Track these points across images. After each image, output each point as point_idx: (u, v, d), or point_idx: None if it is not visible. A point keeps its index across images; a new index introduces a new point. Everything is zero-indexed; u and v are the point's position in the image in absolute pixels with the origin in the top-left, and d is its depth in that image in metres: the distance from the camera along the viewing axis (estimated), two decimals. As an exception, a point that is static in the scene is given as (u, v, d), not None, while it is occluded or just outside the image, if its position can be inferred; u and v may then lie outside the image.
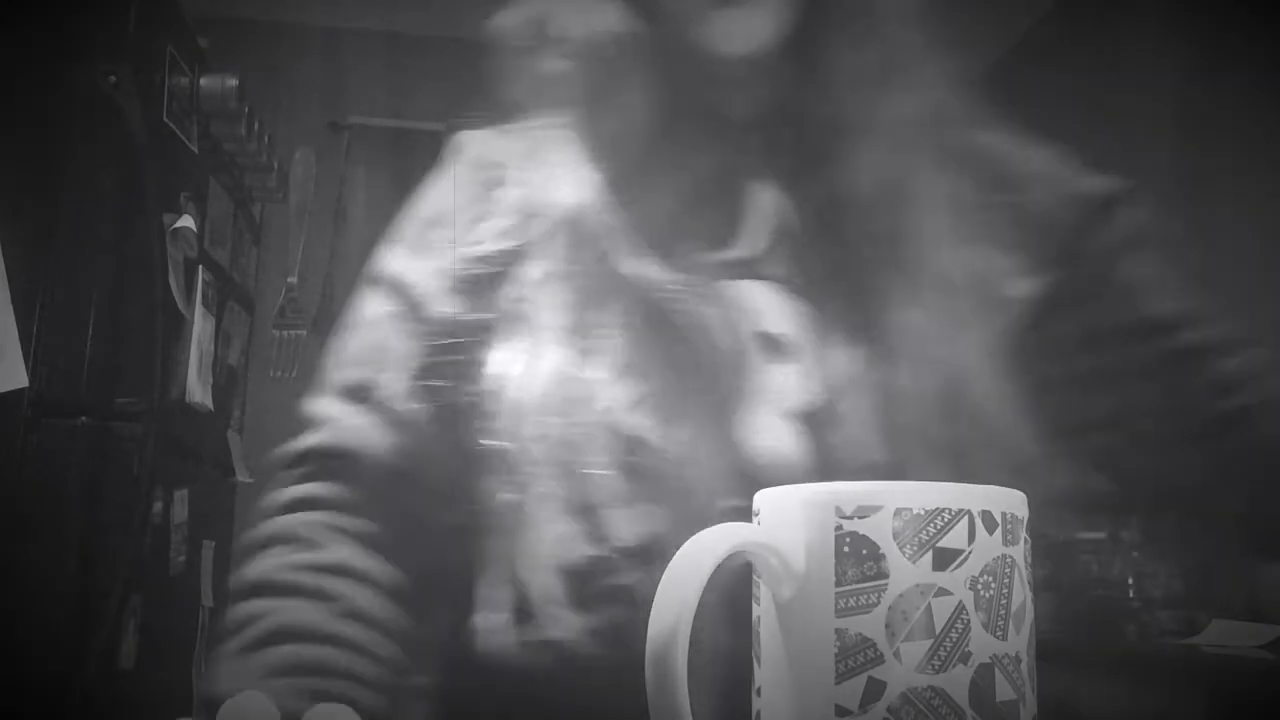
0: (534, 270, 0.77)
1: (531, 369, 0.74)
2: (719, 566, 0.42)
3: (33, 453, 1.74)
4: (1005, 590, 0.43)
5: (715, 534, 0.43)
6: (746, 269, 0.76)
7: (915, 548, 0.42)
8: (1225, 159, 2.29)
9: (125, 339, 1.86)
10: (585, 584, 0.69)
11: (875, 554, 0.42)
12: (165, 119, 1.98)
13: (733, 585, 0.46)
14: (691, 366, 0.73)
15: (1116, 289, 0.80)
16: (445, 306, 0.80)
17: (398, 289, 0.82)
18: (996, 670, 0.42)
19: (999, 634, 0.42)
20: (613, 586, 0.68)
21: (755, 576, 0.46)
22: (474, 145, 0.88)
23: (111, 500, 1.79)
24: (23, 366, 1.66)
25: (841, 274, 0.75)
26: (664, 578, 0.42)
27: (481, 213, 0.82)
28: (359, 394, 0.79)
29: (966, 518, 0.42)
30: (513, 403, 0.73)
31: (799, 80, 0.78)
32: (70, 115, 1.81)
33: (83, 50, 1.82)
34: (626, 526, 0.69)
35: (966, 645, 0.41)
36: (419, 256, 0.84)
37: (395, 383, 0.78)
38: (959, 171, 0.77)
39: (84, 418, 1.78)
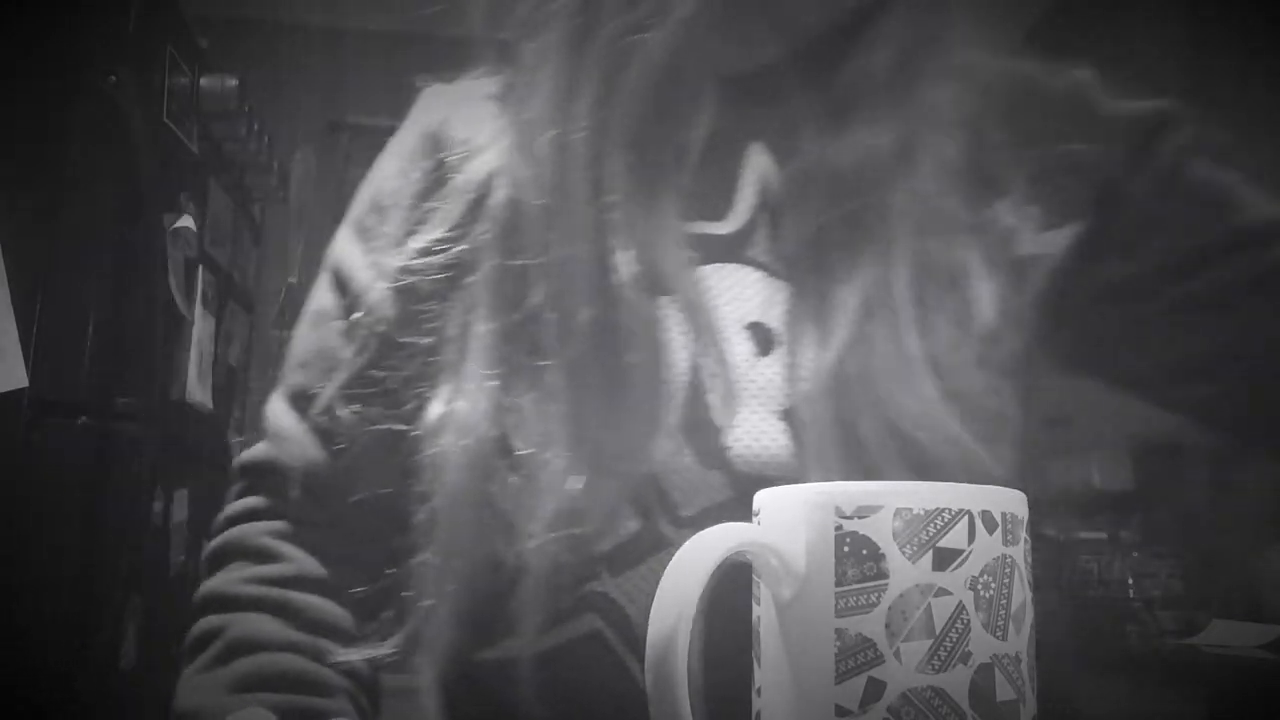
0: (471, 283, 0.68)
1: (451, 415, 0.66)
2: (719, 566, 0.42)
3: (33, 453, 1.74)
4: (1005, 590, 0.43)
5: (715, 534, 0.43)
6: (732, 250, 0.69)
7: (915, 548, 0.42)
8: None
9: (125, 339, 1.85)
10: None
11: (875, 554, 0.42)
12: (165, 119, 1.98)
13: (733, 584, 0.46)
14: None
15: (1186, 210, 0.71)
16: (385, 310, 0.72)
17: (339, 282, 0.76)
18: (996, 670, 0.42)
19: (999, 634, 0.42)
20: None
21: (755, 576, 0.46)
22: (434, 108, 0.79)
23: (111, 500, 1.79)
24: (23, 366, 1.65)
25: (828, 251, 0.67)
26: (664, 578, 0.42)
27: (426, 196, 0.73)
28: (301, 402, 0.74)
29: (966, 518, 0.42)
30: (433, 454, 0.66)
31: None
32: (70, 115, 1.81)
33: (83, 50, 1.82)
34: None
35: (966, 645, 0.41)
36: (359, 244, 0.76)
37: (333, 395, 0.72)
38: (982, 107, 0.70)
39: (84, 418, 1.78)
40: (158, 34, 1.98)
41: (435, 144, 0.76)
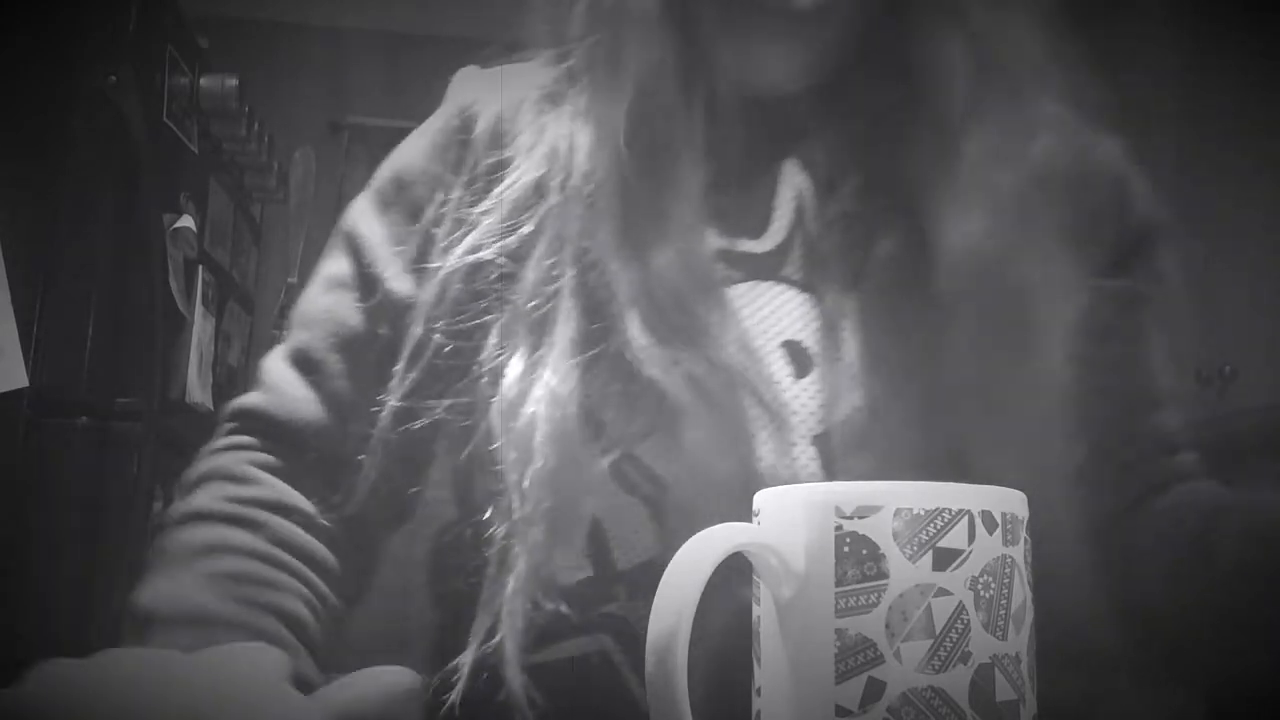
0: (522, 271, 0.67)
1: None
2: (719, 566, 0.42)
3: (33, 453, 1.74)
4: (1005, 590, 0.42)
5: (715, 534, 0.43)
6: (768, 268, 0.69)
7: (915, 548, 0.42)
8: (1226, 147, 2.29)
9: (125, 339, 1.85)
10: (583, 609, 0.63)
11: (875, 554, 0.42)
12: (165, 119, 1.98)
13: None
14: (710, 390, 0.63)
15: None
16: (400, 287, 0.71)
17: (354, 249, 0.74)
18: (996, 670, 0.42)
19: (999, 634, 0.42)
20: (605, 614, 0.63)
21: (755, 576, 0.46)
22: (466, 90, 0.77)
23: (111, 500, 1.79)
24: (23, 366, 1.65)
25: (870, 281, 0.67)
26: (664, 578, 0.42)
27: (451, 183, 0.72)
28: (303, 361, 0.72)
29: (966, 518, 0.42)
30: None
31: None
32: (70, 115, 1.81)
33: (83, 50, 1.82)
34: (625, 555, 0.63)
35: (966, 645, 0.41)
36: (379, 216, 0.74)
37: (338, 363, 0.70)
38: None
39: (84, 418, 1.78)
40: (158, 34, 1.98)
41: (468, 129, 0.74)
